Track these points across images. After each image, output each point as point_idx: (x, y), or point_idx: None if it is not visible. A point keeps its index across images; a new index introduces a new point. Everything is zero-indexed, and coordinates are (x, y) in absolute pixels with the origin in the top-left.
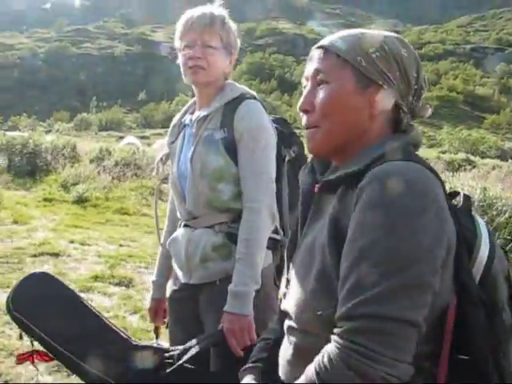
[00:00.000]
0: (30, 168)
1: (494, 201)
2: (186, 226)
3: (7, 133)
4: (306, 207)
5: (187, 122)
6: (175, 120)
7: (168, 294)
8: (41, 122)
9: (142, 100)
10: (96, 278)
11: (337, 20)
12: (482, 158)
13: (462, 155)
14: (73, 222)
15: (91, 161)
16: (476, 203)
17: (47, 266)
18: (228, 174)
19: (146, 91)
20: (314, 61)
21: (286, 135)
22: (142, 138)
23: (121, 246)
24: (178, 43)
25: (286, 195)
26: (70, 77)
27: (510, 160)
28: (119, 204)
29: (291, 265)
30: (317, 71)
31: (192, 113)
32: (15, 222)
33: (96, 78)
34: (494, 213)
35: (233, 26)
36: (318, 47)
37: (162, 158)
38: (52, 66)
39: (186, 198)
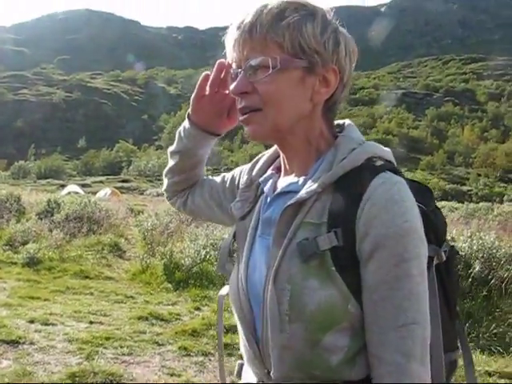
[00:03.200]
0: None
1: (494, 250)
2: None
3: None
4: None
5: (267, 189)
6: (248, 172)
7: None
8: None
9: (82, 147)
10: (74, 377)
11: None
12: (436, 200)
13: None
14: (28, 292)
15: (39, 215)
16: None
17: (6, 363)
18: (342, 317)
19: (86, 138)
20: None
21: (434, 223)
22: (84, 185)
23: (91, 322)
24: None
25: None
26: (6, 124)
27: (465, 202)
28: (77, 266)
29: None
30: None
31: (277, 171)
32: None
33: (34, 124)
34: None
35: (321, 20)
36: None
37: (227, 248)
38: None
39: (259, 342)
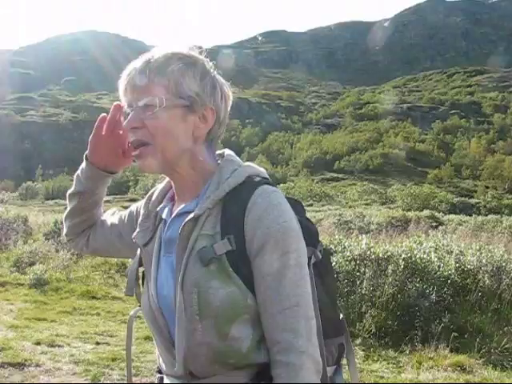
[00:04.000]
0: None
1: (503, 263)
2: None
3: None
4: None
5: (165, 216)
6: (144, 205)
7: None
8: None
9: None
10: None
11: (279, 83)
12: (445, 213)
13: (426, 212)
14: (34, 313)
15: (46, 235)
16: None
17: None
18: (243, 310)
19: None
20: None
21: (309, 228)
22: None
23: (98, 343)
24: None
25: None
26: (14, 145)
27: (474, 215)
28: (84, 286)
29: None
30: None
31: (171, 200)
32: None
33: (41, 145)
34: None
35: (201, 67)
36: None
37: (135, 273)
38: None
39: (175, 346)
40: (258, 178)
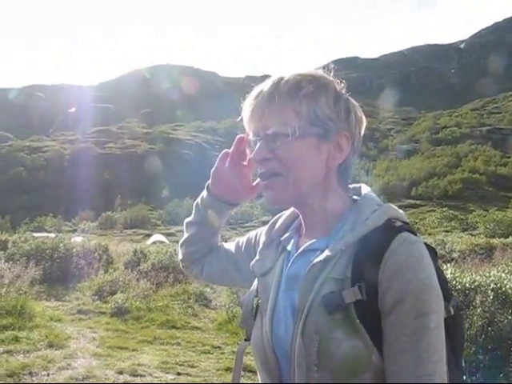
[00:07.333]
0: (60, 274)
1: None
2: None
3: (34, 234)
4: None
5: (290, 248)
6: (266, 232)
7: None
8: (66, 222)
9: (166, 197)
10: None
11: None
12: None
13: None
14: (116, 342)
15: (126, 264)
16: None
17: None
18: (366, 367)
19: (170, 188)
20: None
21: (441, 279)
22: (168, 234)
23: (179, 374)
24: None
25: None
26: (94, 176)
27: None
28: (164, 316)
29: None
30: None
31: (298, 231)
32: (50, 346)
33: (120, 176)
34: None
35: (334, 90)
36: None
37: (250, 304)
38: (77, 166)
39: None
40: (398, 223)
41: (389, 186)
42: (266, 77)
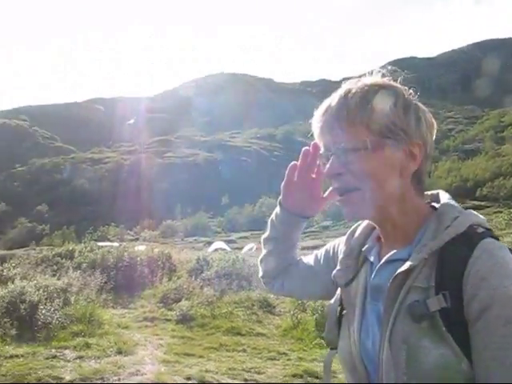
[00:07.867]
0: (125, 282)
1: None
2: None
3: (98, 243)
4: None
5: (372, 259)
6: (345, 242)
7: None
8: (128, 231)
9: (226, 204)
10: None
11: None
12: None
13: None
14: (183, 349)
15: (189, 272)
16: None
17: None
18: (456, 375)
19: (229, 195)
20: None
21: None
22: (229, 241)
23: (246, 380)
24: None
25: None
26: (155, 186)
27: None
28: (228, 322)
29: None
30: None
31: (378, 241)
32: (119, 352)
33: (180, 185)
34: None
35: (403, 99)
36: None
37: (335, 314)
38: (137, 176)
39: None
40: (480, 229)
41: (452, 188)
42: (322, 81)
